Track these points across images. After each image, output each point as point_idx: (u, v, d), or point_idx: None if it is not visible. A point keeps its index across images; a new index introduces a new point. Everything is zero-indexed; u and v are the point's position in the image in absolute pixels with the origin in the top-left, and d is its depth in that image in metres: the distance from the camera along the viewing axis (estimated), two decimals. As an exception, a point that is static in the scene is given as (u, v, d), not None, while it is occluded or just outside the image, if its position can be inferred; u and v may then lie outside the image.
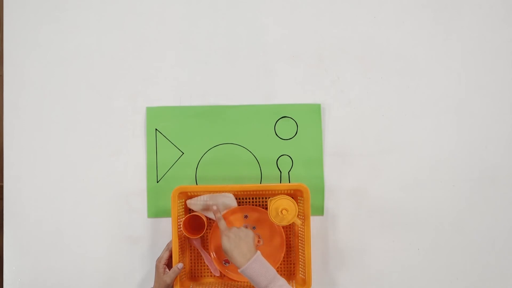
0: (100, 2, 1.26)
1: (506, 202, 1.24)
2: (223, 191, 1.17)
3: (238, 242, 1.03)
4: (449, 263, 1.23)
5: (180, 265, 1.12)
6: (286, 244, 1.20)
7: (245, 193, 1.18)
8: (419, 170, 1.24)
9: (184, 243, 1.18)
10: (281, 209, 1.08)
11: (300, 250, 1.17)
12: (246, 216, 1.19)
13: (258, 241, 1.19)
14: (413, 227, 1.23)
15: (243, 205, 1.21)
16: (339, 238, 1.23)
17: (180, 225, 1.15)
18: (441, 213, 1.23)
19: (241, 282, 1.18)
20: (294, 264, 1.21)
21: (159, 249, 1.18)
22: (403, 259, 1.23)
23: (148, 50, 1.25)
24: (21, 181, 1.23)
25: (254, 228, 1.19)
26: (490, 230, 1.23)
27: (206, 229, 1.18)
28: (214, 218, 1.18)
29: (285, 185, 1.17)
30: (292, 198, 1.14)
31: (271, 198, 1.12)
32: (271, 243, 1.19)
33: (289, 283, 1.16)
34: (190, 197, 1.19)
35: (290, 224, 1.15)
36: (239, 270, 1.02)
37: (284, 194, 1.16)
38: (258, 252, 1.04)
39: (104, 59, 1.25)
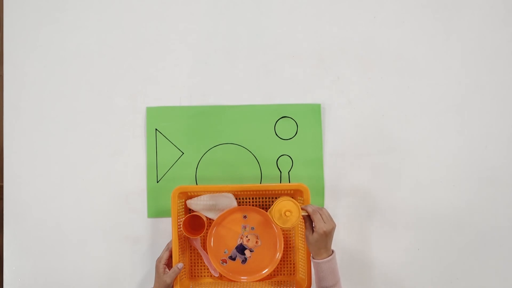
0: (100, 2, 1.26)
1: (506, 202, 1.24)
2: (223, 191, 1.17)
3: (330, 235, 1.04)
4: (449, 263, 1.23)
5: (180, 265, 1.12)
6: (286, 244, 1.20)
7: (245, 193, 1.18)
8: (419, 170, 1.24)
9: (184, 243, 1.18)
10: (285, 211, 1.04)
11: (300, 250, 1.17)
12: (245, 217, 1.19)
13: (257, 242, 1.19)
14: (413, 227, 1.23)
15: (243, 205, 1.21)
16: (339, 238, 1.22)
17: (180, 225, 1.15)
18: (441, 213, 1.23)
19: (240, 282, 1.18)
20: (294, 264, 1.21)
21: (159, 249, 1.18)
22: (403, 259, 1.23)
23: (148, 50, 1.25)
24: (21, 181, 1.24)
25: (253, 228, 1.19)
26: (490, 230, 1.23)
27: (206, 229, 1.18)
28: (213, 218, 1.18)
29: (285, 185, 1.18)
30: (293, 198, 1.13)
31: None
32: (269, 244, 1.19)
33: (289, 283, 1.17)
34: (190, 197, 1.19)
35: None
36: (318, 260, 1.03)
37: (286, 195, 1.15)
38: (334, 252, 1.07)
39: (104, 59, 1.25)
